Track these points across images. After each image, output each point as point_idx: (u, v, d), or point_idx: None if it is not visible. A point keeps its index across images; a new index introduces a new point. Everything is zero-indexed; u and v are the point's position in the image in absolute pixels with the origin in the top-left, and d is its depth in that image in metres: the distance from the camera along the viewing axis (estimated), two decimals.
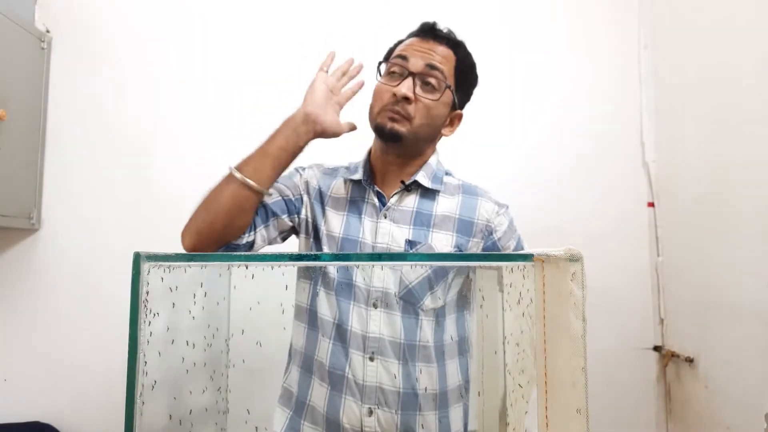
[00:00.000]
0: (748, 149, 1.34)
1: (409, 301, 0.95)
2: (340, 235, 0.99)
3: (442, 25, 1.03)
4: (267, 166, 0.91)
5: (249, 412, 0.90)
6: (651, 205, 1.78)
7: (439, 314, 0.98)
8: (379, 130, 0.97)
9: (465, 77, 1.02)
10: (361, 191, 1.02)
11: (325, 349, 0.96)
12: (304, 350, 1.00)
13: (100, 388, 1.57)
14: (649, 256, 1.76)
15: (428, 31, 1.00)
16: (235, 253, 0.64)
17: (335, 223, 1.00)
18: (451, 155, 1.68)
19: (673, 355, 1.63)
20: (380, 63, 1.02)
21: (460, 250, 0.98)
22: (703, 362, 1.52)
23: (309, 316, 1.00)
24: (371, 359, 0.93)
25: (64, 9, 1.69)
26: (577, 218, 1.75)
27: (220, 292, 0.85)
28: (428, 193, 1.01)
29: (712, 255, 1.47)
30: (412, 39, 1.01)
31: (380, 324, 0.94)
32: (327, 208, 1.02)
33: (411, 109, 0.94)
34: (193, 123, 1.71)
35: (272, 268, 0.92)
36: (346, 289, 0.96)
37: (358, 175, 1.02)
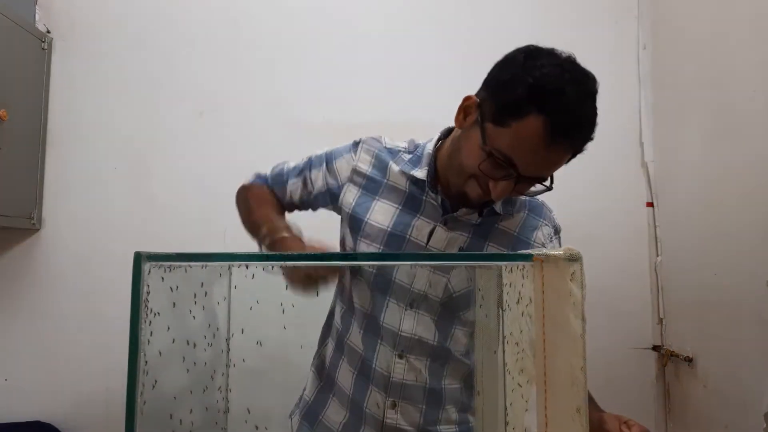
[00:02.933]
0: (746, 149, 1.35)
1: (450, 308, 0.93)
2: (388, 229, 0.92)
3: (583, 115, 0.78)
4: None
5: (249, 411, 0.90)
6: (650, 205, 1.79)
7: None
8: (463, 197, 0.87)
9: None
10: (422, 190, 0.94)
11: (356, 335, 0.96)
12: (340, 329, 1.01)
13: (101, 387, 1.57)
14: (648, 255, 1.77)
15: (561, 135, 0.76)
16: (235, 253, 0.65)
17: (385, 214, 0.93)
18: None
19: (672, 355, 1.63)
20: (492, 112, 0.78)
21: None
22: (701, 362, 1.52)
23: (349, 299, 1.00)
24: (400, 357, 0.93)
25: (65, 10, 1.70)
26: (576, 218, 1.75)
27: (220, 292, 0.85)
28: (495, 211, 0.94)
29: (711, 255, 1.47)
30: (536, 126, 0.74)
31: (414, 324, 0.92)
32: (378, 197, 0.95)
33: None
34: (194, 122, 1.72)
35: (272, 267, 0.93)
36: (382, 283, 0.93)
37: (422, 174, 0.92)
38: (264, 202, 1.03)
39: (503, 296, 0.69)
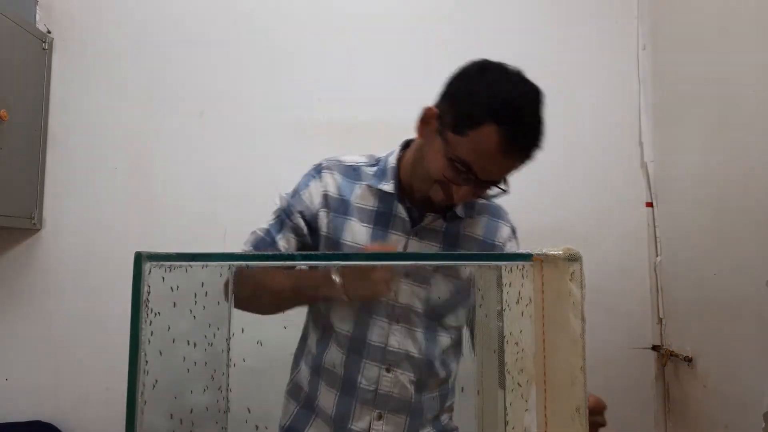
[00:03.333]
0: (746, 149, 1.35)
1: (433, 318, 0.97)
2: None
3: (535, 127, 0.84)
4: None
5: (249, 411, 0.91)
6: (649, 205, 1.79)
7: (461, 331, 1.03)
8: (427, 202, 0.93)
9: None
10: (389, 203, 0.97)
11: (338, 358, 0.98)
12: (316, 354, 1.01)
13: (101, 387, 1.57)
14: (647, 255, 1.77)
15: (515, 145, 0.83)
16: (235, 253, 0.65)
17: (359, 234, 0.96)
18: None
19: (672, 355, 1.63)
20: (451, 122, 0.85)
21: None
22: (701, 362, 1.52)
23: (324, 325, 1.01)
24: (388, 371, 0.96)
25: (66, 10, 1.70)
26: (576, 218, 1.75)
27: (220, 291, 0.85)
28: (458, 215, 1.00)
29: (711, 254, 1.48)
30: (492, 136, 0.80)
31: (401, 338, 0.96)
32: (351, 218, 0.97)
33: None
34: (194, 123, 1.72)
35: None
36: (367, 303, 0.96)
37: (389, 187, 0.97)
38: (266, 271, 0.97)
39: (503, 296, 0.69)
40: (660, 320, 1.72)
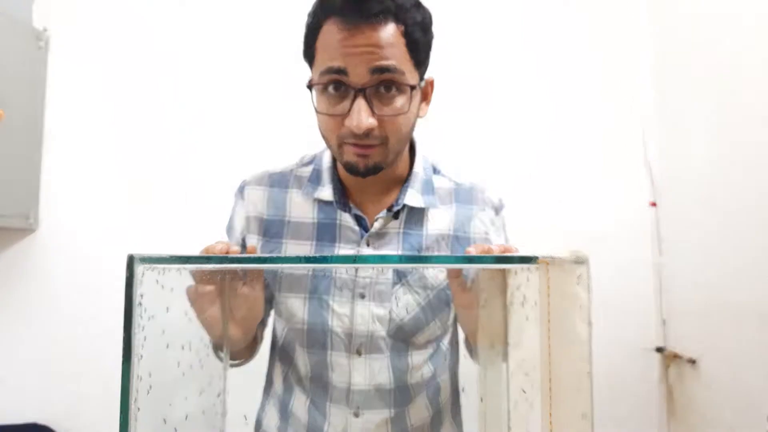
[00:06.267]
0: (749, 149, 1.34)
1: (400, 338, 0.82)
2: (309, 273, 0.80)
3: None
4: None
5: (246, 418, 0.89)
6: (653, 204, 1.77)
7: (437, 343, 0.87)
8: (350, 169, 0.75)
9: (421, 43, 0.74)
10: (332, 212, 0.82)
11: (301, 403, 0.84)
12: (282, 395, 0.88)
13: (98, 389, 1.56)
14: (651, 256, 1.76)
15: (351, 11, 0.68)
16: (231, 256, 0.63)
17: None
18: (451, 156, 1.67)
19: (676, 357, 1.62)
20: (310, 83, 0.75)
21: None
22: (705, 363, 1.51)
23: (282, 356, 0.88)
24: (356, 415, 0.80)
25: (62, 7, 1.68)
26: (579, 218, 1.74)
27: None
28: (418, 209, 0.83)
29: (715, 255, 1.46)
30: (331, 27, 0.69)
31: (366, 374, 0.80)
32: (286, 240, 0.82)
33: (378, 133, 0.71)
34: (192, 123, 1.70)
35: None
36: (319, 337, 0.81)
37: (327, 195, 0.81)
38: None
39: (507, 299, 0.67)
40: (664, 321, 1.71)
